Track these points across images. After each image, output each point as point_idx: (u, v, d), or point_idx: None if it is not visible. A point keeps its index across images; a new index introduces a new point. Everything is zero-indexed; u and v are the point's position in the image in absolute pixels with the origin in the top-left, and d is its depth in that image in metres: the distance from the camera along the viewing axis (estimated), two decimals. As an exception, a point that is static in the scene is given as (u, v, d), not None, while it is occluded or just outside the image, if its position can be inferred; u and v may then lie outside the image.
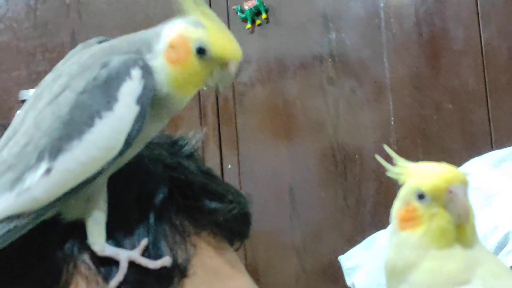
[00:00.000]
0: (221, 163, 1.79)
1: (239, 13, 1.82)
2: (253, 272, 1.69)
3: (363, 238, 1.62)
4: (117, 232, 0.45)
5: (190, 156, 0.52)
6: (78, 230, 0.45)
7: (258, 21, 1.82)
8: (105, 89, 0.44)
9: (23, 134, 0.44)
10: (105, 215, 0.45)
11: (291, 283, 1.76)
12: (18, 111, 0.47)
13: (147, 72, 0.45)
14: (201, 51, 0.46)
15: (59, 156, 0.42)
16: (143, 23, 1.80)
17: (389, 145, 1.77)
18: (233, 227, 0.52)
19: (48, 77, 0.47)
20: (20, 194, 0.42)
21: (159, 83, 0.46)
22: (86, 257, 0.45)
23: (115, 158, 0.44)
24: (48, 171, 0.42)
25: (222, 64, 0.47)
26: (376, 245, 1.50)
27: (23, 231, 0.42)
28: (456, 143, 1.73)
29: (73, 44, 1.81)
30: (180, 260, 0.46)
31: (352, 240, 1.67)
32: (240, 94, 1.83)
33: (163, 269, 0.45)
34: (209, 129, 1.80)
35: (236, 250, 0.53)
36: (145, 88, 0.44)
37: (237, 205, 0.51)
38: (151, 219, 0.46)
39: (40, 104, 0.45)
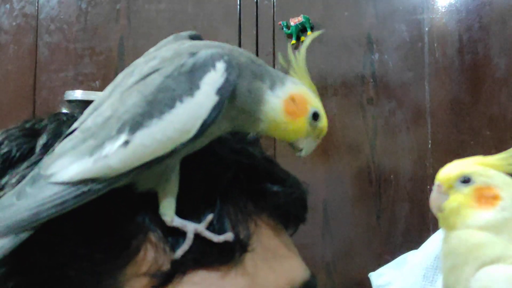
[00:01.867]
0: (258, 175, 1.80)
1: (284, 29, 1.84)
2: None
3: (394, 258, 1.63)
4: (185, 207, 0.48)
5: (254, 143, 0.56)
6: (151, 201, 0.48)
7: (303, 38, 1.84)
8: (190, 77, 0.47)
9: (109, 107, 0.47)
10: (176, 190, 0.48)
11: (319, 298, 1.77)
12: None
13: (231, 66, 0.48)
14: (315, 117, 0.52)
15: (138, 130, 0.45)
16: (191, 33, 1.83)
17: (425, 169, 1.79)
18: (291, 210, 0.55)
19: (140, 60, 0.50)
20: (97, 160, 0.45)
21: (254, 111, 0.50)
22: (156, 226, 0.48)
23: (188, 142, 0.46)
24: (126, 143, 0.45)
25: (316, 135, 0.53)
26: (407, 265, 1.51)
27: (95, 196, 0.45)
28: (492, 170, 1.73)
29: (121, 49, 1.84)
30: (241, 237, 0.49)
31: (383, 259, 1.68)
32: (280, 108, 1.85)
33: (225, 243, 0.48)
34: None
35: (291, 235, 0.57)
36: (226, 81, 0.47)
37: (296, 190, 0.55)
38: (217, 197, 0.49)
39: (129, 82, 0.48)
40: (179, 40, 0.52)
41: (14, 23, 1.86)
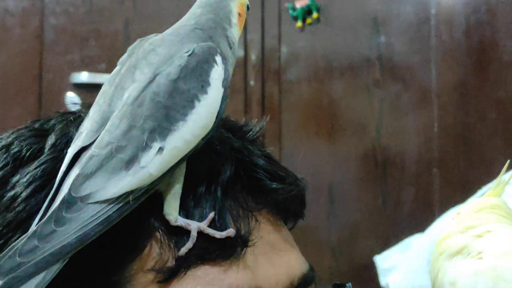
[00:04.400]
0: (263, 158, 1.80)
1: (290, 11, 1.84)
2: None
3: (399, 241, 1.63)
4: (188, 202, 0.51)
5: (254, 141, 0.58)
6: (155, 200, 0.49)
7: (309, 20, 1.84)
8: (198, 75, 0.50)
9: (122, 120, 0.48)
10: (180, 190, 0.50)
11: (325, 281, 1.77)
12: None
13: (224, 57, 0.52)
14: (248, 8, 0.58)
15: (169, 136, 0.48)
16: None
17: (431, 151, 1.79)
18: (289, 207, 0.58)
19: (121, 70, 0.52)
20: (136, 172, 0.47)
21: (234, 44, 0.55)
22: (161, 225, 0.50)
23: (208, 134, 0.50)
24: (160, 149, 0.47)
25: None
26: (412, 249, 1.52)
27: (136, 205, 0.47)
28: (498, 153, 1.73)
29: (126, 32, 1.84)
30: (242, 232, 0.51)
31: (388, 242, 1.69)
32: (286, 91, 1.85)
33: (227, 239, 0.50)
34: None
35: (290, 229, 0.59)
36: (225, 71, 0.52)
37: (295, 187, 0.57)
38: (218, 193, 0.52)
39: (128, 93, 0.50)
40: (147, 40, 0.54)
41: (20, 6, 1.86)
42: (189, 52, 0.51)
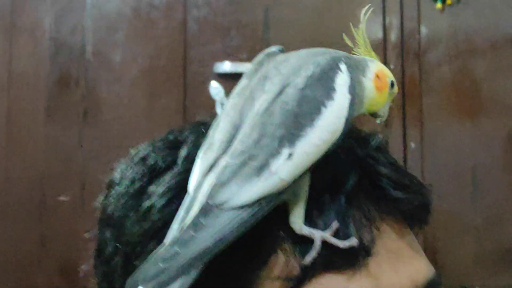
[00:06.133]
0: (404, 142, 1.80)
1: (429, -7, 1.82)
2: (431, 250, 1.70)
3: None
4: (312, 211, 0.52)
5: (378, 148, 0.58)
6: (281, 210, 0.51)
7: (449, 1, 1.81)
8: (324, 83, 0.52)
9: (253, 129, 0.50)
10: (306, 199, 0.51)
11: (469, 265, 1.75)
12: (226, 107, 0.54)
13: (350, 66, 0.53)
14: (392, 85, 0.57)
15: (297, 141, 0.49)
16: (335, 2, 1.84)
17: None
18: (414, 215, 0.58)
19: (250, 82, 0.54)
20: (268, 177, 0.48)
21: (362, 97, 0.55)
22: (286, 234, 0.52)
23: (337, 140, 0.51)
24: (290, 155, 0.49)
25: (391, 99, 0.58)
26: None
27: (268, 211, 0.49)
28: None
29: (266, 21, 1.88)
30: (365, 242, 0.52)
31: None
32: (426, 73, 1.83)
33: (350, 248, 0.51)
34: (394, 107, 1.82)
35: (416, 234, 0.58)
36: (351, 79, 0.53)
37: (419, 196, 0.57)
38: (342, 202, 0.53)
39: (259, 104, 0.52)
40: (274, 56, 0.56)
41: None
42: (315, 63, 0.52)
